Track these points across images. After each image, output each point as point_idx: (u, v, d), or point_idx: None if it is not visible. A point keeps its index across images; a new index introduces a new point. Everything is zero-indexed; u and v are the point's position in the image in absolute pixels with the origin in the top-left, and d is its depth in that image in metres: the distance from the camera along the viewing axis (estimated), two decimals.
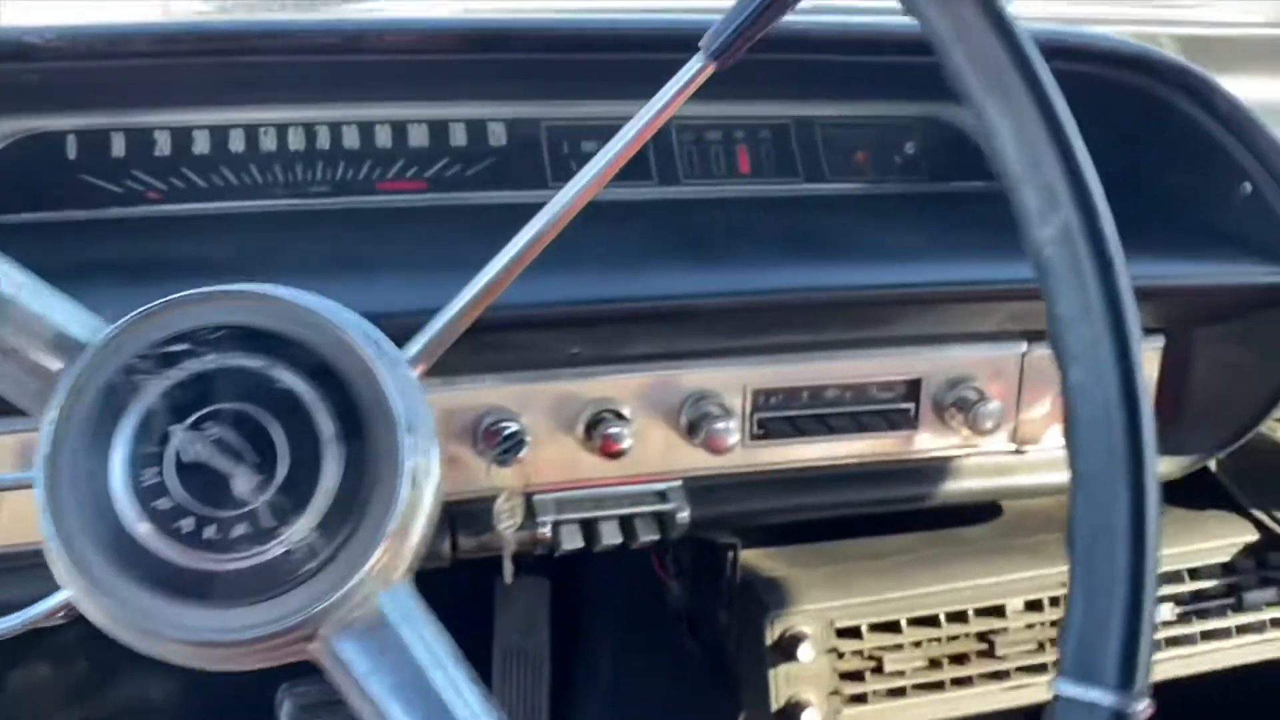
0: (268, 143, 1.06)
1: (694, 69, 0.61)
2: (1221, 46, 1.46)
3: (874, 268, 1.00)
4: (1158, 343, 1.15)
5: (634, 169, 1.16)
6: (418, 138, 1.10)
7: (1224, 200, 1.09)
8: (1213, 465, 1.32)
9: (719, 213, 1.11)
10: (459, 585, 1.35)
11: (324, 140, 1.07)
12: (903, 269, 1.01)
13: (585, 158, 0.65)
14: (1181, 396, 1.17)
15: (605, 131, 0.67)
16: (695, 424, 1.03)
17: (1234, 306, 1.10)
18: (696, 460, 1.05)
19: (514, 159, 1.12)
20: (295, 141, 1.06)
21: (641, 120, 0.62)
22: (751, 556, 1.21)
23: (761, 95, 1.21)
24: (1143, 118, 1.14)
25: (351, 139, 1.08)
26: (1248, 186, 1.07)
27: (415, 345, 0.61)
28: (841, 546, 1.22)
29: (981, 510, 1.30)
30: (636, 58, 1.01)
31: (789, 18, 0.59)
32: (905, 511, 1.23)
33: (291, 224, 1.03)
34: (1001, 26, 0.47)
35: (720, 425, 1.02)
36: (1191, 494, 1.31)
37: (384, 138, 1.09)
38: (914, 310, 1.04)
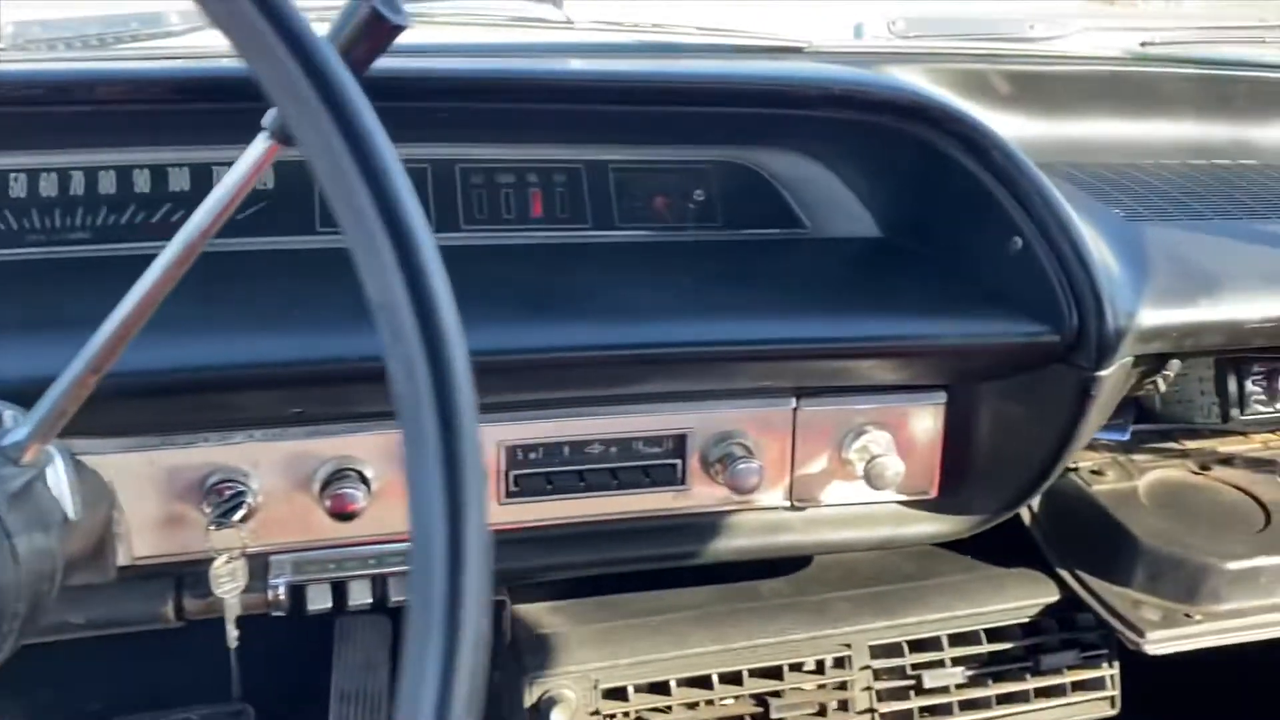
0: None
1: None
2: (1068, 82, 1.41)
3: (615, 327, 0.97)
4: (940, 399, 1.11)
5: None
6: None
7: (998, 255, 1.05)
8: (1026, 519, 1.28)
9: (476, 264, 1.08)
10: (296, 626, 1.33)
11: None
12: (646, 328, 0.98)
13: None
14: (968, 455, 1.13)
15: None
16: None
17: (1005, 365, 1.06)
18: None
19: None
20: None
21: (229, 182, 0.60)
22: (530, 611, 1.18)
23: (555, 139, 1.18)
24: (925, 169, 1.10)
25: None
26: (1018, 241, 1.04)
27: (19, 432, 0.62)
28: (626, 601, 1.19)
29: (786, 563, 1.27)
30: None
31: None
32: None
33: None
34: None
35: None
36: (1003, 550, 1.27)
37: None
38: (660, 370, 1.00)
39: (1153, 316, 1.02)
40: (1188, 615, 1.14)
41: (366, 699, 1.63)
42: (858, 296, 1.07)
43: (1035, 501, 1.30)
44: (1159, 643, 1.10)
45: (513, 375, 0.97)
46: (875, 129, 1.09)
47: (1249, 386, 1.33)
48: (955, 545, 1.28)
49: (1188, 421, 1.38)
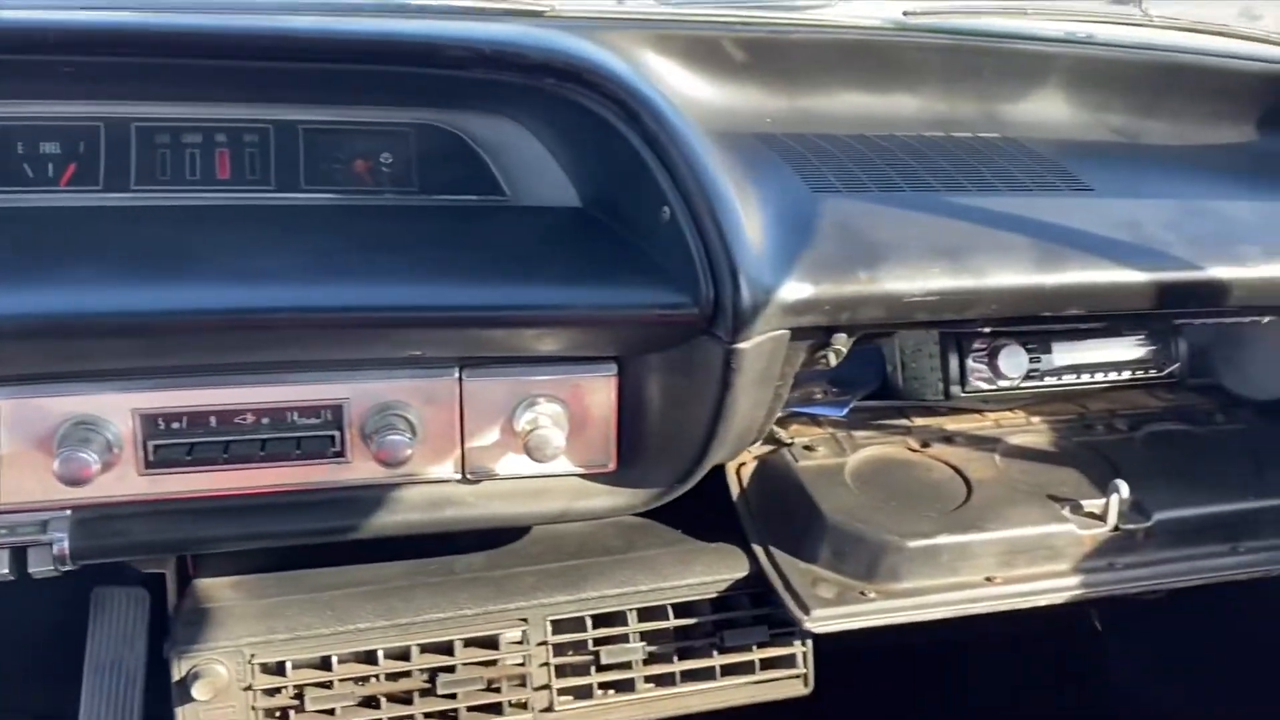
0: None
1: None
2: None
3: (223, 290, 0.94)
4: (610, 371, 1.09)
5: (86, 173, 1.12)
6: None
7: (653, 225, 1.03)
8: (735, 493, 1.26)
9: (118, 225, 1.05)
10: (50, 598, 1.30)
11: None
12: (255, 292, 0.95)
13: None
14: (642, 427, 1.11)
15: None
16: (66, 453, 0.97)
17: (657, 337, 1.04)
18: (80, 492, 0.99)
19: None
20: None
21: None
22: (208, 586, 1.16)
23: (239, 98, 1.15)
24: (598, 136, 1.07)
25: None
26: (666, 211, 1.01)
27: None
28: (308, 576, 1.17)
29: (492, 536, 1.25)
30: None
31: None
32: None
33: None
34: None
35: (84, 455, 0.96)
36: (711, 525, 1.25)
37: None
38: (279, 335, 0.98)
39: (797, 290, 1.00)
40: (863, 594, 1.12)
41: (122, 671, 1.61)
42: (515, 266, 1.04)
43: (746, 475, 1.28)
44: (822, 620, 1.09)
45: (119, 338, 0.95)
46: (551, 94, 1.07)
47: (970, 363, 1.31)
48: (667, 518, 1.27)
49: (920, 398, 1.37)
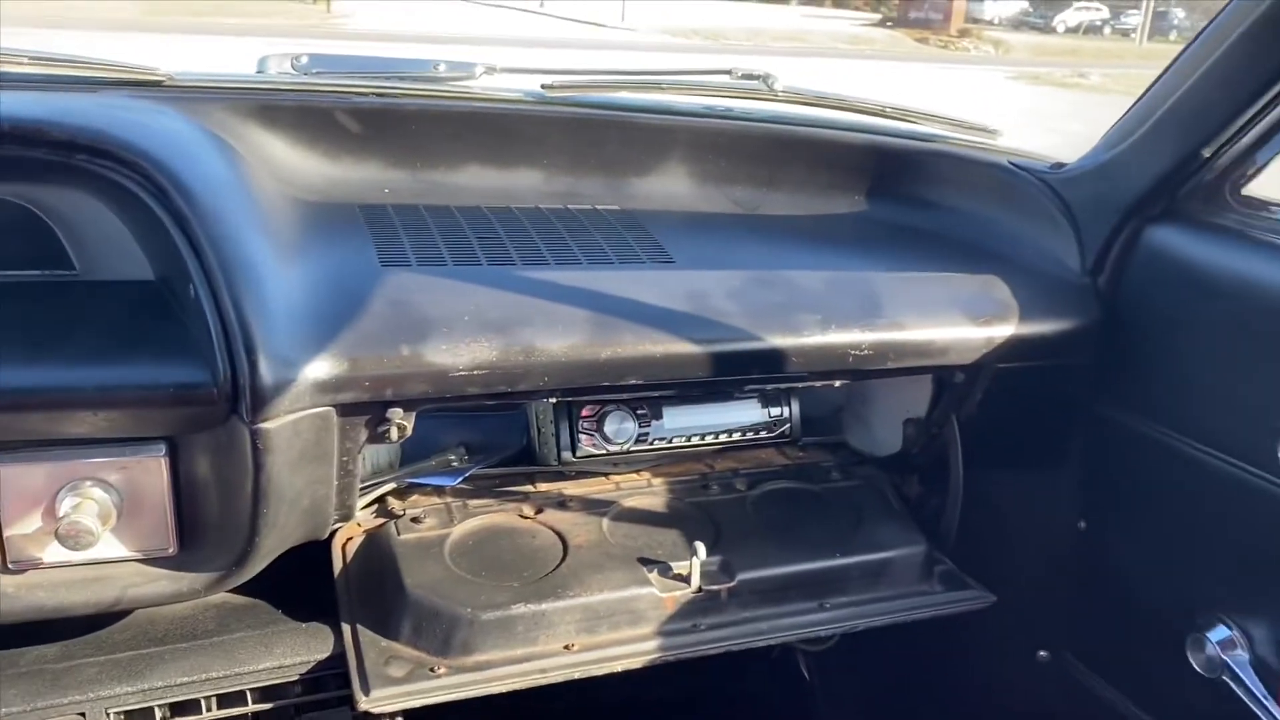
0: None
1: None
2: None
3: None
4: (157, 451, 1.05)
5: None
6: None
7: (186, 301, 1.02)
8: (338, 568, 1.24)
9: None
10: None
11: None
12: None
13: None
14: (202, 509, 1.08)
15: None
16: None
17: (193, 418, 1.01)
18: None
19: None
20: None
21: None
22: None
23: None
24: (143, 210, 1.05)
25: None
26: (193, 289, 1.00)
27: None
28: None
29: (83, 621, 1.19)
30: None
31: None
32: None
33: None
34: None
35: None
36: (310, 601, 1.23)
37: None
38: None
39: (329, 367, 1.00)
40: (433, 670, 1.12)
41: None
42: (35, 347, 1.00)
43: (351, 550, 1.27)
44: (380, 700, 1.08)
45: None
46: (91, 170, 1.04)
47: (579, 428, 1.33)
48: (271, 597, 1.24)
49: (546, 463, 1.38)
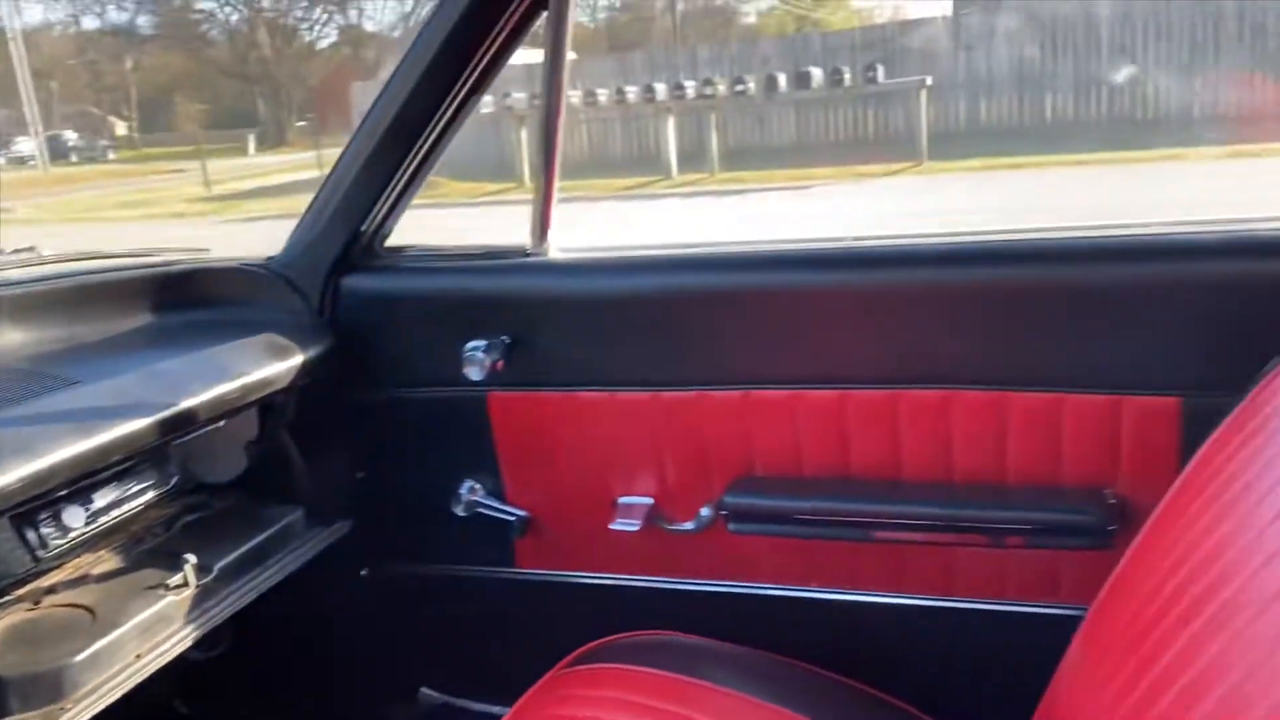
0: None
1: None
2: None
3: None
4: None
5: None
6: None
7: None
8: None
9: None
10: None
11: None
12: None
13: None
14: None
15: None
16: None
17: None
18: None
19: None
20: None
21: None
22: None
23: None
24: None
25: None
26: None
27: None
28: None
29: None
30: None
31: None
32: None
33: None
34: None
35: None
36: None
37: None
38: None
39: None
40: None
41: None
42: None
43: None
44: None
45: None
46: None
47: (44, 530, 1.70)
48: None
49: (15, 575, 1.69)
